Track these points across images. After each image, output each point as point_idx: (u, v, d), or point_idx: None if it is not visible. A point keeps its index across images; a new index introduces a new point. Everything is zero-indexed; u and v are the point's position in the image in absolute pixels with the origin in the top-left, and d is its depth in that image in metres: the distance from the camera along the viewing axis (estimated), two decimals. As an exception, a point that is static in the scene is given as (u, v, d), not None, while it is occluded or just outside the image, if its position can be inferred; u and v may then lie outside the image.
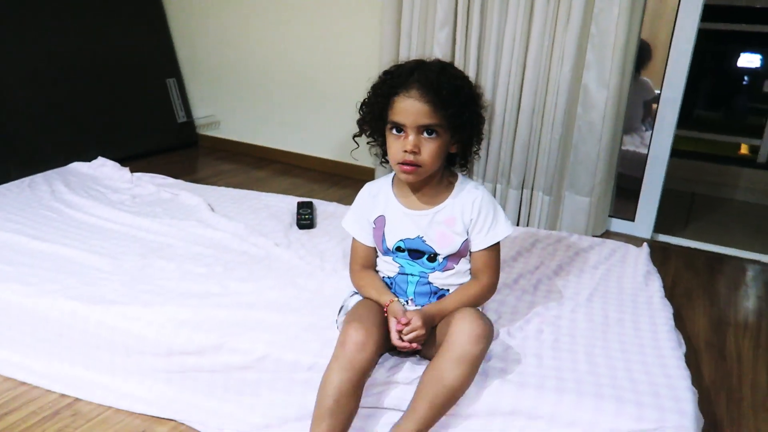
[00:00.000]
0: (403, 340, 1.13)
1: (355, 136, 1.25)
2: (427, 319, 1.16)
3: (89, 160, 2.41)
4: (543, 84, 2.22)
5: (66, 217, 1.92)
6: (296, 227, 1.98)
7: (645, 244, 1.87)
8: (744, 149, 3.71)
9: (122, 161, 2.45)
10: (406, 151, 1.14)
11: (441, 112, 1.11)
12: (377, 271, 1.33)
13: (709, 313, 1.87)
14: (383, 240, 1.27)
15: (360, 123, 1.24)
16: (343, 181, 2.95)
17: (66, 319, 1.38)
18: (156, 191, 2.18)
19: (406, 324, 1.13)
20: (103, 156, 2.45)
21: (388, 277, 1.29)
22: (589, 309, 1.49)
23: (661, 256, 2.24)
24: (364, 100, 1.22)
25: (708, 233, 2.50)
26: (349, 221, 1.35)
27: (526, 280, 1.63)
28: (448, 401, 1.09)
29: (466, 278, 1.28)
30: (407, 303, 1.26)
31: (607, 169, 2.30)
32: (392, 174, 1.31)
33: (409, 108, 1.12)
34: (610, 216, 2.50)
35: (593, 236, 2.23)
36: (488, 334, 1.11)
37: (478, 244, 1.24)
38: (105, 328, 1.35)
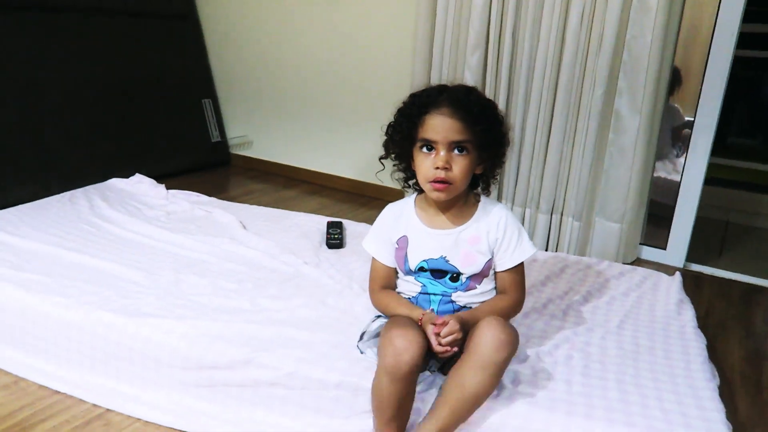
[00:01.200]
0: (441, 345, 1.14)
1: (381, 158, 1.28)
2: (463, 323, 1.16)
3: (127, 177, 2.49)
4: (574, 109, 2.23)
5: (104, 231, 1.98)
6: (326, 246, 2.00)
7: (677, 272, 1.84)
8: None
9: (158, 179, 2.52)
10: (437, 168, 1.16)
11: (471, 129, 1.14)
12: (398, 293, 1.34)
13: (744, 345, 1.82)
14: (405, 260, 1.28)
15: (386, 145, 1.26)
16: (371, 201, 2.98)
17: (102, 330, 1.41)
18: (190, 208, 2.23)
19: (444, 325, 1.13)
20: (140, 173, 2.53)
21: (410, 297, 1.31)
22: (620, 336, 1.47)
23: (693, 285, 2.20)
24: (391, 122, 1.24)
25: (743, 263, 2.45)
26: (369, 242, 1.37)
27: (555, 306, 1.62)
28: (470, 407, 1.10)
29: (488, 298, 1.29)
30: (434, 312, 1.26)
31: (639, 195, 2.28)
32: (414, 195, 1.34)
33: (441, 124, 1.14)
34: (641, 243, 2.47)
35: (624, 263, 2.21)
36: (513, 341, 1.10)
37: (504, 263, 1.26)
38: (139, 340, 1.38)
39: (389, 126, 1.25)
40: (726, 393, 1.49)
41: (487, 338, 1.08)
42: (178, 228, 2.05)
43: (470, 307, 1.27)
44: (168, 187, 2.43)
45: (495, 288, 1.30)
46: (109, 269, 1.68)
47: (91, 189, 2.37)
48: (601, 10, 2.09)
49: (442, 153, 1.15)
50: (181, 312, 1.46)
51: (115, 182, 2.46)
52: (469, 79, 2.35)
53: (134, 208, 2.22)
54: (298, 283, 1.69)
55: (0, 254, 1.72)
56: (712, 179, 2.38)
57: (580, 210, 2.33)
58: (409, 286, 1.31)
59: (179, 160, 3.24)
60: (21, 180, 2.49)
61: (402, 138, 1.21)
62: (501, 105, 2.33)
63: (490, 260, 1.26)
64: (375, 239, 1.35)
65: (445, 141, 1.15)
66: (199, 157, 3.36)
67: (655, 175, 2.51)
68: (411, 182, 1.30)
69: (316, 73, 3.09)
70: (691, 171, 2.31)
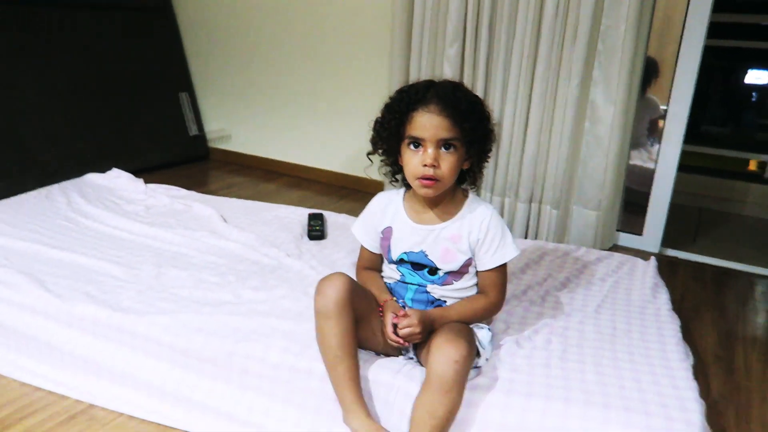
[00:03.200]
0: (397, 335, 1.17)
1: (369, 154, 1.28)
2: (426, 320, 1.18)
3: (104, 170, 2.46)
4: (551, 99, 2.26)
5: (82, 227, 1.96)
6: (307, 238, 2.01)
7: (653, 257, 1.88)
8: (752, 165, 3.72)
9: (136, 174, 2.50)
10: (425, 165, 1.16)
11: (459, 126, 1.15)
12: (382, 277, 1.38)
13: (717, 327, 1.88)
14: (389, 250, 1.31)
15: (374, 141, 1.26)
16: (352, 194, 2.99)
17: (84, 325, 1.41)
18: (170, 202, 2.22)
19: (405, 317, 1.16)
20: (117, 167, 2.50)
21: (390, 283, 1.35)
22: (597, 320, 1.50)
23: (669, 270, 2.25)
24: (378, 118, 1.23)
25: (716, 248, 2.51)
26: (358, 227, 1.40)
27: (534, 292, 1.65)
28: (446, 426, 1.10)
29: (464, 294, 1.30)
30: (404, 307, 1.29)
31: (615, 183, 2.32)
32: (403, 188, 1.34)
33: (429, 122, 1.14)
34: (617, 230, 2.52)
35: (601, 249, 2.25)
36: (467, 354, 1.09)
37: (485, 264, 1.26)
38: (123, 334, 1.37)
39: (376, 122, 1.23)
40: (700, 373, 1.54)
41: (441, 358, 1.07)
42: (158, 222, 2.04)
43: (445, 300, 1.29)
44: (146, 182, 2.41)
45: (476, 285, 1.31)
46: (89, 264, 1.67)
47: (67, 184, 2.33)
48: (575, 1, 2.12)
49: (430, 150, 1.15)
50: (163, 305, 1.46)
51: (92, 177, 2.43)
52: (448, 71, 2.37)
53: (112, 203, 2.20)
54: (281, 274, 1.70)
55: (-24, 251, 1.70)
56: (686, 167, 2.44)
57: (558, 198, 2.37)
58: (390, 273, 1.34)
59: (157, 154, 3.21)
60: (-5, 176, 2.46)
61: (389, 135, 1.20)
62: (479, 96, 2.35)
63: (470, 259, 1.26)
64: (362, 226, 1.38)
65: (433, 138, 1.15)
66: (177, 151, 3.33)
67: (631, 163, 2.56)
68: (399, 177, 1.30)
69: (294, 65, 3.07)
70: (665, 159, 2.35)
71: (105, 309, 1.41)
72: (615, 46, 2.14)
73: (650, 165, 2.86)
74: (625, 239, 2.53)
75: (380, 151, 1.26)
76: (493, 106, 2.36)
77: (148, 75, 3.19)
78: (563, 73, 2.21)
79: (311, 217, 2.12)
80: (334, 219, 2.15)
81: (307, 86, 3.07)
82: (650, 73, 3.02)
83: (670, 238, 2.46)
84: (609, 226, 2.42)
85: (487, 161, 1.29)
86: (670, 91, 2.29)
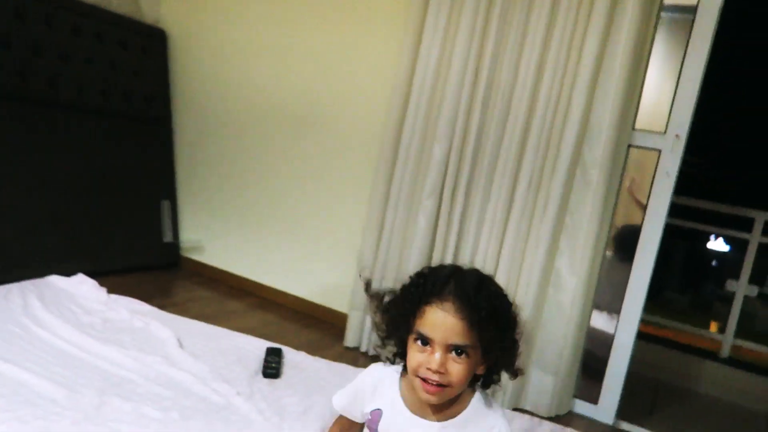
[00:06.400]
0: None
1: (382, 338, 1.14)
2: None
3: (72, 268, 2.43)
4: (517, 265, 2.34)
5: (33, 335, 1.91)
6: (261, 375, 1.97)
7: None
8: (707, 343, 3.79)
9: (103, 274, 2.47)
10: (429, 369, 1.02)
11: (476, 334, 1.00)
12: None
13: None
14: None
15: (386, 327, 1.12)
16: (317, 323, 2.97)
17: (7, 457, 1.33)
18: (129, 318, 2.18)
19: None
20: (85, 266, 2.48)
21: None
22: None
23: (622, 448, 2.23)
24: (392, 299, 1.12)
25: (671, 427, 2.50)
26: (342, 403, 1.22)
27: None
28: None
29: None
30: None
31: (574, 349, 2.36)
32: (402, 365, 1.17)
33: (442, 323, 1.01)
34: (574, 396, 2.51)
35: (557, 416, 2.24)
36: None
37: None
38: (45, 474, 1.30)
39: (389, 304, 1.12)
40: None
41: None
42: (112, 339, 1.99)
43: None
44: (112, 285, 2.38)
45: None
46: (30, 382, 1.61)
47: (28, 285, 2.30)
48: (547, 178, 2.27)
49: (437, 355, 1.01)
50: (96, 442, 1.39)
51: (54, 280, 2.40)
52: (422, 222, 2.47)
53: (70, 311, 2.15)
54: (226, 416, 1.64)
55: None
56: (645, 335, 2.48)
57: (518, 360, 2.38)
58: None
59: (127, 257, 3.19)
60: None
61: (401, 323, 1.08)
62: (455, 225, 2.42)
63: None
64: (348, 403, 1.21)
65: (443, 342, 1.01)
66: (148, 256, 3.32)
67: (594, 327, 2.60)
68: (403, 363, 1.14)
69: (278, 186, 3.17)
70: (623, 329, 2.41)
71: (34, 442, 1.35)
72: (581, 221, 2.26)
73: (611, 330, 2.91)
74: (581, 407, 2.51)
75: (392, 336, 1.12)
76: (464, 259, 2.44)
77: (134, 179, 3.26)
78: (531, 241, 2.32)
79: (269, 352, 2.09)
80: (291, 357, 2.13)
81: (288, 210, 3.15)
82: (633, 239, 3.15)
83: (626, 410, 2.46)
84: (566, 392, 2.42)
85: (510, 369, 1.11)
86: (632, 266, 2.40)
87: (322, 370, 2.09)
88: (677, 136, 2.25)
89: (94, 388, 1.65)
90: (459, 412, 1.09)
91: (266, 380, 1.94)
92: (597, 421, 2.45)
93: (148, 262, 3.32)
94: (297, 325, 2.92)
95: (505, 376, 1.15)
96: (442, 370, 1.01)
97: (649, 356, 3.14)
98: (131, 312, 2.23)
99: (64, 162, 2.92)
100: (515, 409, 2.32)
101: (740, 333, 3.46)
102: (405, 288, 1.09)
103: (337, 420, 1.27)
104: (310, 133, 3.04)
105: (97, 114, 3.05)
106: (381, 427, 1.13)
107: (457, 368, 1.01)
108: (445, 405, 1.09)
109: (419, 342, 1.04)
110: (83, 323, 2.07)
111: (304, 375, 2.02)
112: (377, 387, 1.16)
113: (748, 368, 3.25)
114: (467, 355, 1.01)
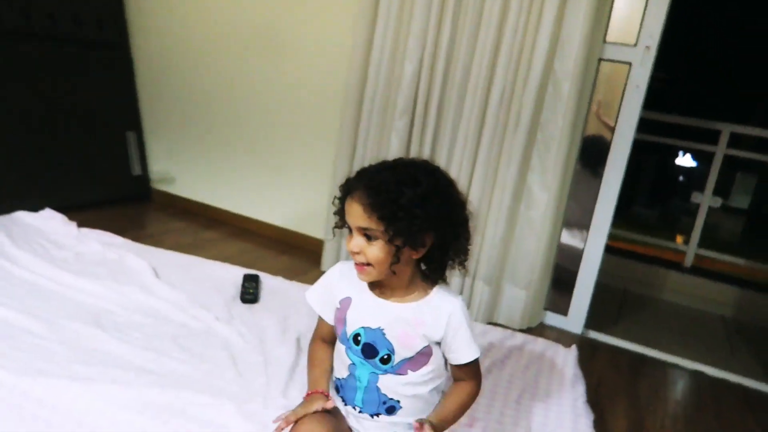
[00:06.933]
0: None
1: (334, 227, 1.22)
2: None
3: (37, 205, 2.38)
4: (491, 182, 2.36)
5: (4, 271, 1.88)
6: (239, 301, 1.99)
7: (574, 346, 1.96)
8: (673, 255, 3.93)
9: (72, 210, 2.43)
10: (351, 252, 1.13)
11: (378, 217, 1.07)
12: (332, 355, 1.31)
13: (628, 417, 1.95)
14: (344, 324, 1.22)
15: (335, 215, 1.21)
16: (292, 250, 2.99)
17: (-11, 388, 1.34)
18: (101, 251, 2.16)
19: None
20: (53, 202, 2.42)
21: (339, 379, 1.25)
22: (517, 411, 1.55)
23: (589, 353, 2.34)
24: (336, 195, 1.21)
25: (635, 333, 2.64)
26: (313, 296, 1.31)
27: (459, 376, 1.68)
28: None
29: (419, 391, 1.20)
30: (355, 409, 1.22)
31: (545, 264, 2.43)
32: None
33: (350, 209, 1.11)
34: (545, 309, 2.61)
35: (529, 328, 2.34)
36: None
37: (459, 359, 1.19)
38: (30, 402, 1.31)
39: (334, 198, 1.21)
40: (608, 467, 1.60)
41: None
42: (87, 272, 1.98)
43: (398, 401, 1.19)
44: (82, 221, 2.34)
45: (429, 380, 1.21)
46: (6, 316, 1.60)
47: (-6, 222, 2.25)
48: (519, 93, 2.25)
49: (355, 238, 1.12)
50: (78, 369, 1.41)
51: (22, 216, 2.35)
52: (395, 143, 2.45)
53: (41, 246, 2.12)
54: (207, 340, 1.67)
55: None
56: (613, 249, 2.56)
57: (491, 275, 2.45)
58: (340, 363, 1.25)
59: (96, 192, 3.13)
60: None
61: (340, 213, 1.17)
62: (428, 145, 2.42)
63: (428, 347, 1.18)
64: (319, 294, 1.30)
65: (353, 225, 1.12)
66: (117, 190, 3.26)
67: (564, 241, 2.68)
68: None
69: (247, 114, 3.10)
70: (592, 242, 2.48)
71: (14, 371, 1.35)
72: (552, 137, 2.27)
73: (580, 245, 3.00)
74: (552, 318, 2.62)
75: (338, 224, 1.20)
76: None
77: (96, 111, 3.14)
78: (504, 158, 2.32)
79: (246, 278, 2.11)
80: (269, 282, 2.15)
81: (259, 138, 3.09)
82: (605, 153, 3.18)
83: (593, 320, 2.57)
84: (537, 305, 2.51)
85: (458, 255, 1.18)
86: (601, 178, 2.44)
87: (298, 293, 2.11)
88: (647, 47, 2.23)
89: (72, 319, 1.66)
90: (418, 299, 1.19)
91: (245, 305, 1.96)
92: (567, 331, 2.56)
93: (118, 196, 3.26)
94: (273, 252, 2.93)
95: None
96: (356, 250, 1.12)
97: (617, 269, 3.26)
98: (104, 245, 2.21)
99: (12, 93, 2.78)
100: (489, 323, 2.41)
101: (704, 244, 3.59)
102: (341, 185, 1.18)
103: (315, 330, 1.34)
104: (275, 57, 2.94)
105: (44, 40, 2.88)
106: (350, 314, 1.21)
107: (370, 250, 1.11)
108: (405, 293, 1.19)
109: (349, 230, 1.15)
110: (55, 258, 2.05)
111: (282, 299, 2.04)
112: (344, 276, 1.26)
113: (709, 276, 3.40)
114: (375, 238, 1.10)
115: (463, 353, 1.18)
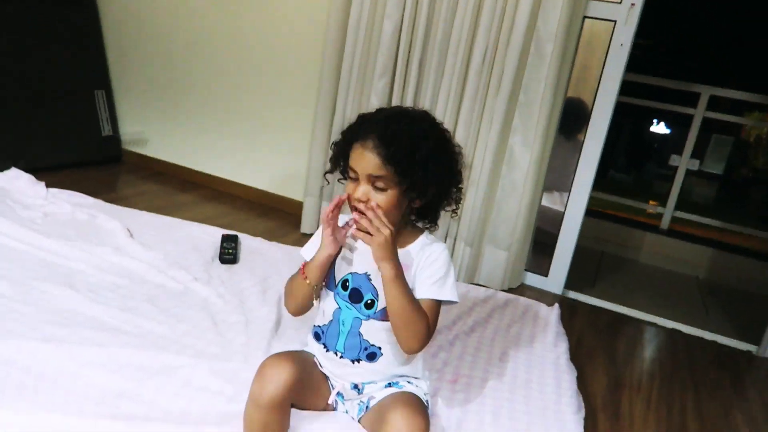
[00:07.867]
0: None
1: (325, 173, 1.24)
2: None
3: (2, 167, 2.28)
4: (472, 143, 2.32)
5: (-32, 232, 1.80)
6: (218, 261, 1.94)
7: (556, 305, 1.97)
8: (648, 218, 3.98)
9: (40, 171, 2.33)
10: (357, 198, 1.12)
11: (392, 167, 1.08)
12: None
13: (608, 374, 1.98)
14: (333, 270, 1.22)
15: (331, 161, 1.22)
16: (270, 212, 2.93)
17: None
18: (71, 211, 2.08)
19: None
20: (19, 165, 2.32)
21: (320, 326, 1.24)
22: (501, 369, 1.55)
23: (569, 313, 2.36)
24: (337, 139, 1.20)
25: (612, 293, 2.66)
26: (308, 249, 1.27)
27: (443, 336, 1.67)
28: None
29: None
30: (336, 354, 1.21)
31: (526, 226, 2.42)
32: None
33: (360, 157, 1.10)
34: (525, 270, 2.62)
35: (510, 288, 2.34)
36: (426, 428, 1.08)
37: (422, 292, 1.17)
38: (1, 362, 1.26)
39: (333, 143, 1.20)
40: (589, 420, 1.61)
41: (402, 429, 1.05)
42: (56, 232, 1.90)
43: (380, 347, 1.20)
44: (50, 183, 2.25)
45: None
46: (-29, 278, 1.53)
47: (-44, 182, 2.14)
48: (501, 55, 2.20)
49: (362, 185, 1.11)
50: (50, 330, 1.36)
51: (-14, 176, 2.24)
52: (375, 102, 2.39)
53: (7, 207, 2.03)
54: (185, 301, 1.63)
55: None
56: (592, 211, 2.57)
57: (472, 237, 2.43)
58: (321, 312, 1.24)
59: (64, 153, 3.01)
60: None
61: (337, 160, 1.18)
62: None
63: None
64: (314, 247, 1.24)
65: (363, 173, 1.11)
66: (87, 151, 3.15)
67: (548, 205, 2.67)
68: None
69: (223, 73, 2.99)
70: (573, 204, 2.48)
71: (-17, 333, 1.30)
72: (535, 98, 2.23)
73: (561, 208, 3.00)
74: (532, 279, 2.63)
75: (337, 170, 1.20)
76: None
77: (61, 68, 3.00)
78: (485, 119, 2.28)
79: (225, 238, 2.05)
80: (248, 243, 2.10)
81: (234, 99, 2.99)
82: (582, 117, 3.17)
83: (572, 280, 2.59)
84: (518, 266, 2.51)
85: (452, 204, 1.21)
86: (583, 142, 2.42)
87: (279, 254, 2.07)
88: (633, 4, 2.19)
89: (41, 279, 1.59)
90: (406, 245, 1.20)
91: (224, 266, 1.92)
92: (547, 291, 2.58)
93: (88, 158, 3.15)
94: (252, 214, 2.88)
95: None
96: (364, 199, 1.11)
97: (596, 231, 3.28)
98: (74, 205, 2.13)
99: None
100: (471, 284, 2.40)
101: (680, 207, 3.63)
102: (344, 131, 1.18)
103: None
104: (251, 12, 2.83)
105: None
106: (338, 261, 1.22)
107: (378, 198, 1.11)
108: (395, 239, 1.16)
109: (351, 175, 1.14)
110: (22, 218, 1.97)
111: (262, 259, 2.00)
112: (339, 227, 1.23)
113: (684, 238, 3.45)
114: (386, 187, 1.11)
115: (427, 287, 1.16)
